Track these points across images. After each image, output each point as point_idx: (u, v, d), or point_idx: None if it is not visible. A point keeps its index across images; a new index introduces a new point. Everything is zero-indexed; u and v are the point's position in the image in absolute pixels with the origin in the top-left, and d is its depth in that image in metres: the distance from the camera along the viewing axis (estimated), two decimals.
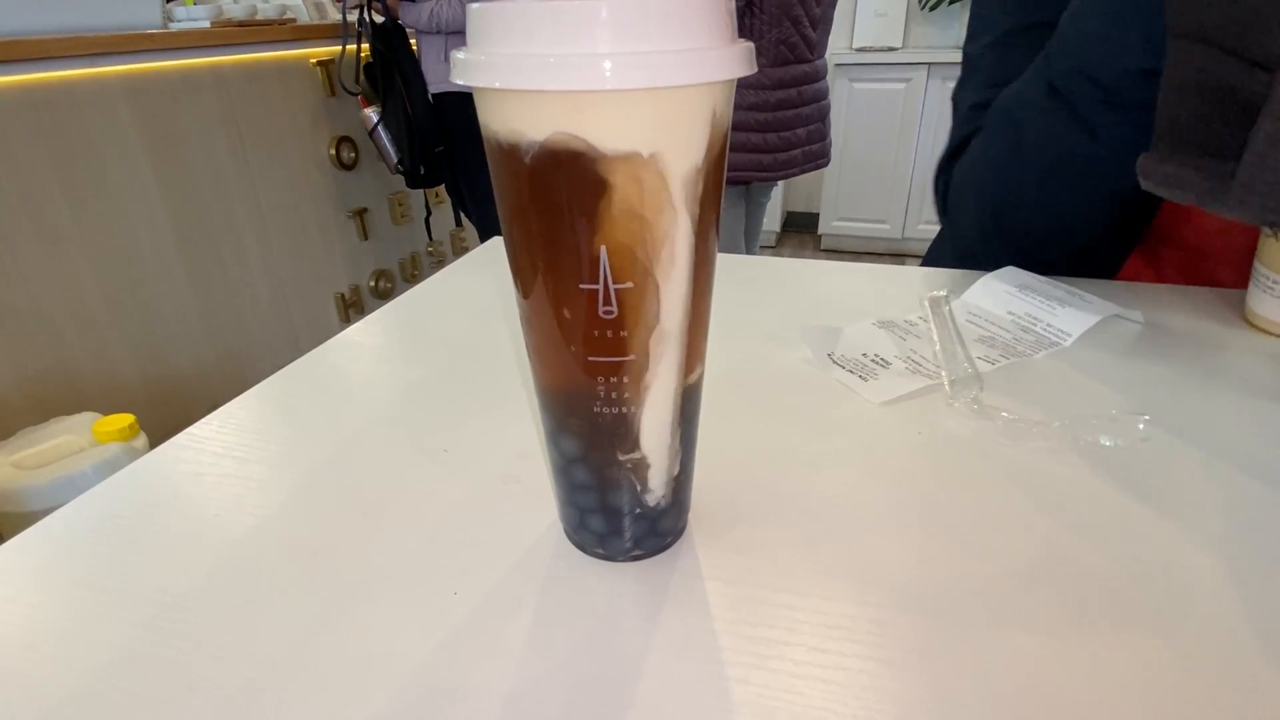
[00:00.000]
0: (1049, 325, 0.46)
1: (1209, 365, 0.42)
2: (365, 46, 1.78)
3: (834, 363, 0.43)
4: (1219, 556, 0.28)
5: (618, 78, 0.19)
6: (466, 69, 0.20)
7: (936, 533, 0.30)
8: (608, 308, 0.23)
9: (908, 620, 0.26)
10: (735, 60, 0.21)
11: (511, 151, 0.21)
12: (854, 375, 0.42)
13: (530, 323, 0.25)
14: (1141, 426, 0.35)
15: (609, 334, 0.23)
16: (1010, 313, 0.48)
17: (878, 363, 0.43)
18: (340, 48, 1.79)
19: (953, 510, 0.31)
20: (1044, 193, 0.51)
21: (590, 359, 0.24)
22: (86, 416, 1.26)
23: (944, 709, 0.22)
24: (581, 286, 0.23)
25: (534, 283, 0.24)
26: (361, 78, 1.81)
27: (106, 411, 1.27)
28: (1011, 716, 0.22)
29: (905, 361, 0.43)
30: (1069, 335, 0.45)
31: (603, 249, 0.22)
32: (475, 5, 0.20)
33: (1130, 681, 0.23)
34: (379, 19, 1.75)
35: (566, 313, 0.24)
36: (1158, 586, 0.27)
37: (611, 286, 0.23)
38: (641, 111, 0.20)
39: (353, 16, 1.83)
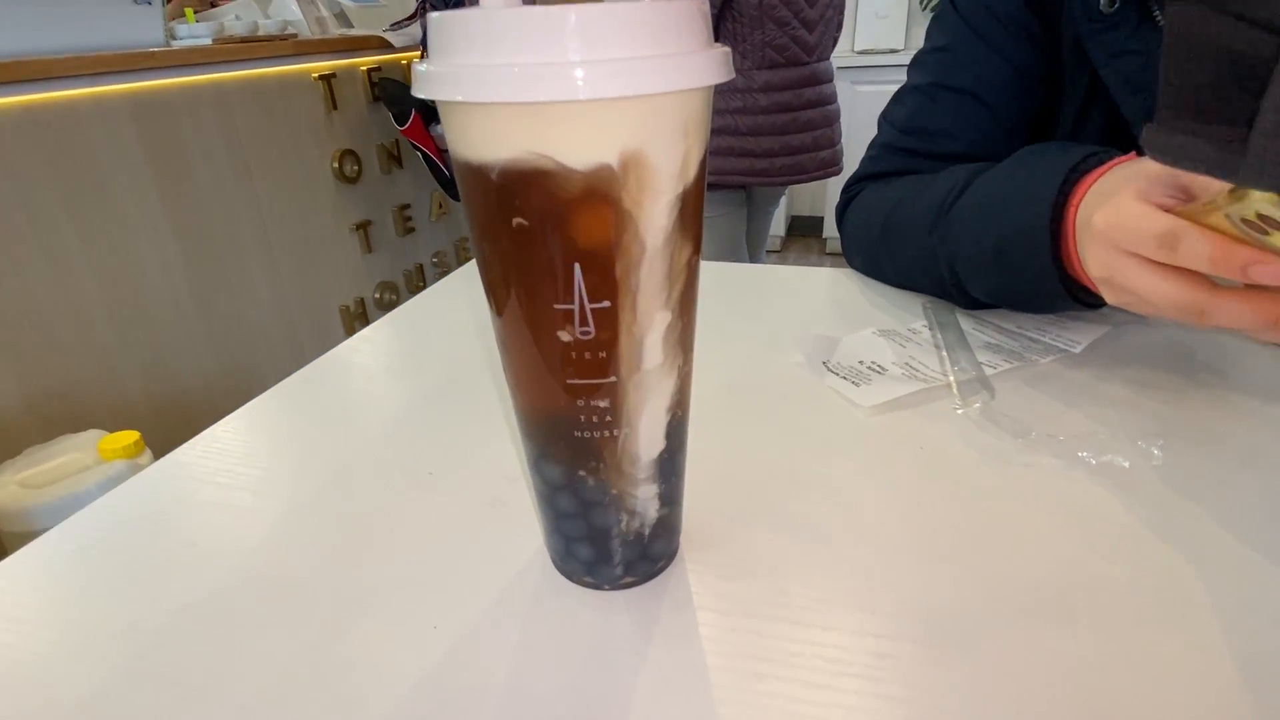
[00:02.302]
0: (1058, 335, 0.45)
1: (1223, 376, 0.41)
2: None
3: (829, 370, 0.42)
4: (1244, 584, 0.27)
5: (590, 87, 0.18)
6: (428, 82, 0.19)
7: (943, 556, 0.28)
8: (585, 328, 0.22)
9: (911, 652, 0.24)
10: (711, 66, 0.20)
11: (479, 170, 0.20)
12: (847, 381, 0.41)
13: (506, 345, 0.24)
14: (1158, 450, 0.33)
15: (587, 355, 0.22)
16: (1019, 324, 0.46)
17: (874, 369, 0.42)
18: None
19: (961, 532, 0.30)
20: (904, 283, 0.55)
21: (570, 381, 0.23)
22: (92, 434, 1.26)
23: None
24: (556, 307, 0.22)
25: (508, 304, 0.23)
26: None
27: (112, 429, 1.27)
28: None
29: (902, 368, 0.42)
30: (1078, 343, 0.43)
31: (577, 267, 0.21)
32: (435, 14, 0.19)
33: (1150, 715, 0.22)
34: None
35: (543, 334, 0.22)
36: (1181, 616, 0.25)
37: (588, 306, 0.21)
38: (613, 122, 0.19)
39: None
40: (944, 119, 0.56)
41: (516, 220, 0.21)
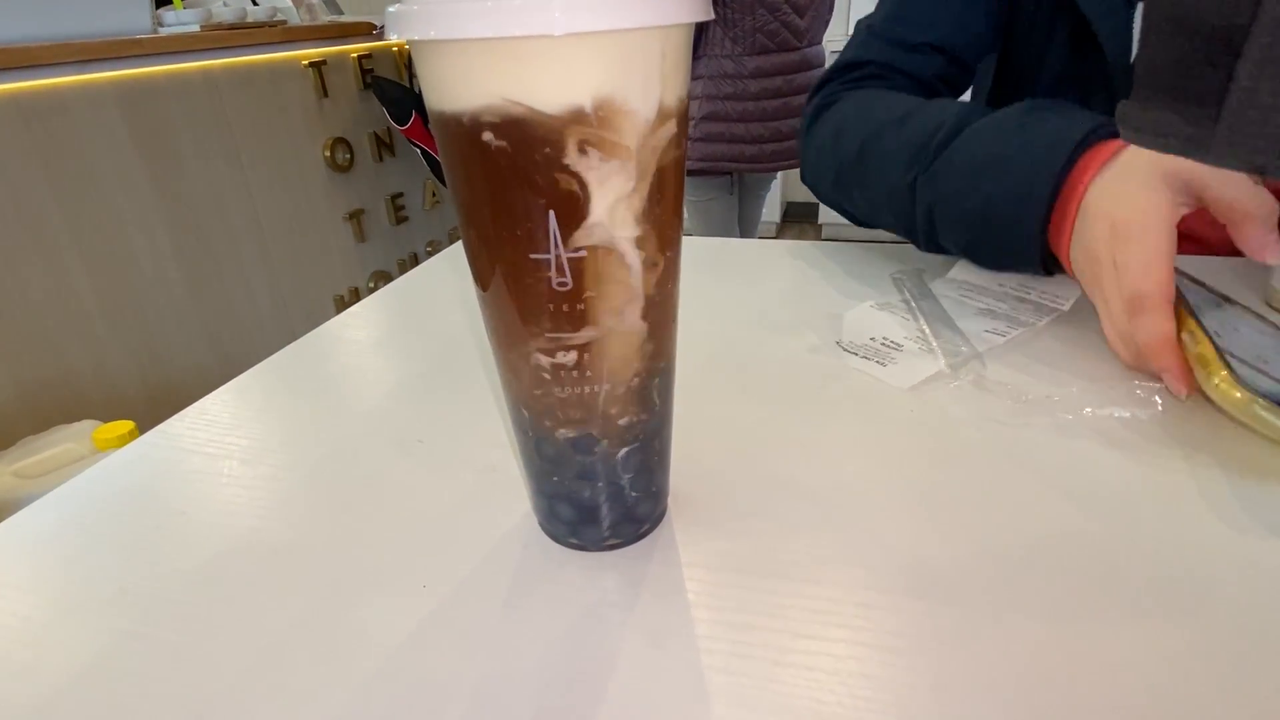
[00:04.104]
0: (1044, 291, 0.44)
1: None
2: None
3: (845, 350, 0.41)
4: (1241, 536, 0.27)
5: (567, 21, 0.18)
6: (400, 21, 0.19)
7: (933, 511, 0.28)
8: (562, 279, 0.21)
9: (898, 603, 0.24)
10: (691, 1, 0.19)
11: (451, 119, 0.20)
12: (871, 361, 0.39)
13: (485, 299, 0.24)
14: (1159, 398, 0.33)
15: (565, 307, 0.22)
16: (1000, 283, 0.46)
17: (890, 346, 0.40)
18: None
19: (952, 488, 0.30)
20: (869, 217, 0.55)
21: (549, 335, 0.23)
22: (86, 424, 1.26)
23: (936, 697, 0.21)
24: (533, 257, 0.21)
25: (485, 256, 0.22)
26: None
27: (107, 419, 1.26)
28: (1007, 705, 0.21)
29: (917, 342, 0.41)
30: (1065, 300, 0.43)
31: (551, 214, 0.20)
32: None
33: (1137, 669, 0.22)
34: None
35: (520, 287, 0.22)
36: (1172, 568, 0.25)
37: (564, 256, 0.21)
38: (588, 61, 0.19)
39: None
40: (924, 7, 0.59)
41: (489, 167, 0.20)
